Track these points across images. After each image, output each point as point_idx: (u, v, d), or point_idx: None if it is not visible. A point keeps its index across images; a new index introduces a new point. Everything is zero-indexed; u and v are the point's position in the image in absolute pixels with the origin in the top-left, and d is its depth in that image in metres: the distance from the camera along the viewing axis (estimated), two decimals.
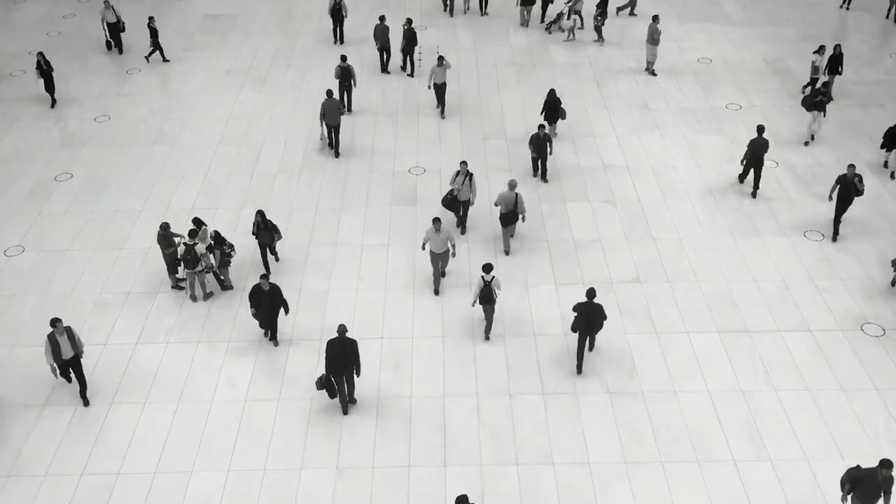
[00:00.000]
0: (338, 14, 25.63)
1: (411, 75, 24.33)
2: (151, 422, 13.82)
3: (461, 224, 17.85)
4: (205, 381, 14.57)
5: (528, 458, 13.14)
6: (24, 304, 16.26)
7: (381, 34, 23.85)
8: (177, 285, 16.53)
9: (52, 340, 13.36)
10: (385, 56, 24.37)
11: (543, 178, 19.42)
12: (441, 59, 21.29)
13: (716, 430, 13.59)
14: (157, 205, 18.98)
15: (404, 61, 24.31)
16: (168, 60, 25.21)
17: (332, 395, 13.72)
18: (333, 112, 20.14)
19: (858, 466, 11.34)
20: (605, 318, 14.25)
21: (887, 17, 27.60)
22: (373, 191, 19.39)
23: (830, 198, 17.49)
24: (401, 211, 18.70)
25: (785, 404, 14.03)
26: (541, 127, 18.75)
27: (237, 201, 19.07)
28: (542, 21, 27.44)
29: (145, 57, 25.19)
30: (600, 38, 26.15)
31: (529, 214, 18.52)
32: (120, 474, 12.97)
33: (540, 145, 18.96)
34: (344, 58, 21.85)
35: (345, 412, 13.87)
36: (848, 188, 17.14)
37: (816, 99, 20.29)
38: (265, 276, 14.38)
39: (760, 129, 18.64)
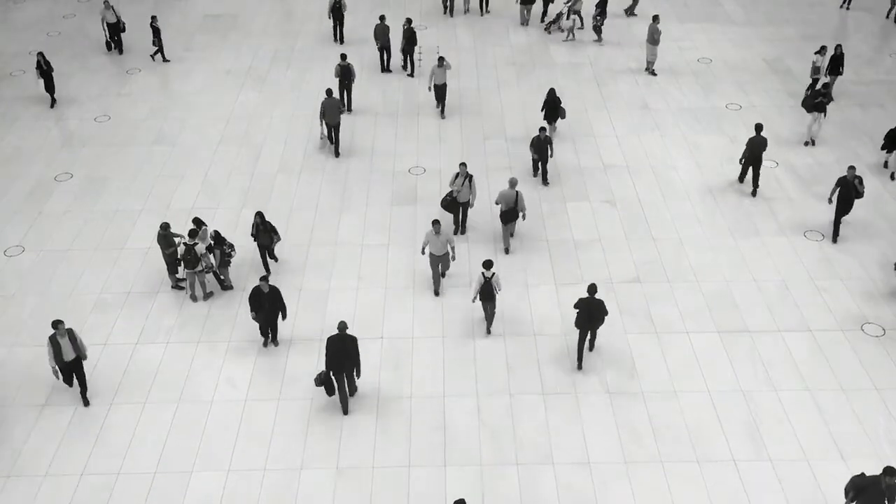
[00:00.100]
0: (338, 12, 25.64)
1: (411, 75, 24.33)
2: (151, 422, 13.82)
3: (460, 226, 17.83)
4: (205, 381, 14.57)
5: (528, 458, 13.14)
6: (24, 304, 16.26)
7: (382, 34, 23.86)
8: (177, 285, 16.53)
9: (54, 342, 13.34)
10: (386, 56, 24.38)
11: (544, 180, 19.39)
12: (441, 59, 21.30)
13: (716, 430, 13.59)
14: (157, 205, 18.98)
15: (404, 61, 24.32)
16: (168, 60, 25.21)
17: (329, 393, 13.72)
18: (333, 111, 20.14)
19: (863, 474, 11.28)
20: (606, 313, 14.31)
21: (888, 17, 27.60)
22: (373, 191, 19.39)
23: (830, 200, 17.46)
24: (401, 211, 18.70)
25: (785, 404, 14.03)
26: (542, 130, 18.73)
27: (237, 201, 19.07)
28: (543, 20, 27.46)
29: (151, 56, 25.19)
30: (599, 37, 26.14)
31: (530, 214, 18.52)
32: (120, 474, 12.97)
33: (541, 148, 18.93)
34: (344, 56, 21.87)
35: (345, 412, 13.87)
36: (848, 190, 17.11)
37: (817, 100, 20.26)
38: (265, 279, 14.37)
39: (758, 127, 18.65)
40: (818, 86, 22.14)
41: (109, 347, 15.26)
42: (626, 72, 24.51)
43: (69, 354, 13.46)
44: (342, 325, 13.34)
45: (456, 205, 17.38)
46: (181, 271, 16.74)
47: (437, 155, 20.69)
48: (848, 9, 28.42)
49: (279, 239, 16.46)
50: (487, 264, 14.61)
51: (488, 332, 15.37)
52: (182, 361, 14.95)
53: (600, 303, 14.22)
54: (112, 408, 14.06)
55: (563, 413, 13.90)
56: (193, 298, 16.23)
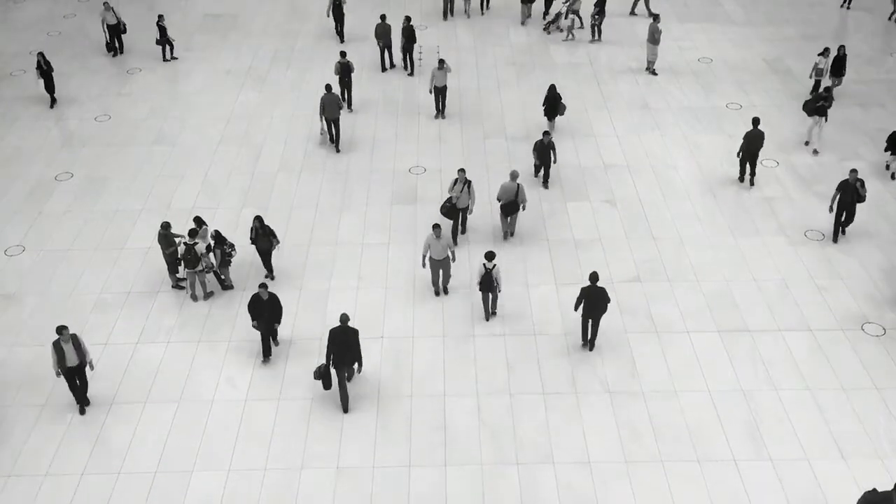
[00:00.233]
0: (338, 11, 25.66)
1: (411, 74, 24.34)
2: (151, 421, 13.82)
3: (460, 227, 17.82)
4: (205, 380, 14.57)
5: (529, 458, 13.13)
6: (25, 303, 16.26)
7: (383, 33, 23.88)
8: (177, 285, 16.53)
9: (58, 348, 13.25)
10: (388, 54, 24.41)
11: (545, 184, 19.33)
12: (441, 62, 21.26)
13: (716, 430, 13.59)
14: (157, 204, 18.98)
15: (404, 60, 24.33)
16: (168, 60, 25.21)
17: (326, 387, 13.73)
18: (332, 106, 20.20)
19: (875, 490, 11.21)
20: (608, 300, 14.41)
21: (890, 19, 27.44)
22: (373, 190, 19.39)
23: (832, 209, 17.21)
24: (401, 210, 18.70)
25: (785, 404, 14.02)
26: (545, 134, 18.58)
27: (237, 201, 19.07)
28: (545, 17, 27.48)
29: (170, 58, 25.17)
30: (595, 37, 26.13)
31: (530, 213, 18.52)
32: (120, 474, 12.97)
33: (543, 152, 18.79)
34: (343, 54, 21.89)
35: (345, 409, 13.87)
36: (849, 193, 17.02)
37: (818, 104, 20.12)
38: (264, 286, 14.25)
39: (755, 121, 18.71)
40: (820, 88, 22.07)
41: (110, 347, 15.25)
42: (626, 71, 24.51)
43: (73, 360, 13.37)
44: (344, 317, 13.40)
45: (455, 211, 17.31)
46: (181, 271, 16.74)
47: (438, 155, 20.68)
48: (848, 8, 28.40)
49: (278, 242, 16.36)
50: (489, 255, 14.75)
51: (492, 316, 15.57)
52: (182, 361, 14.95)
53: (602, 290, 14.33)
54: (112, 407, 14.06)
55: (564, 413, 13.89)
56: (194, 298, 16.23)
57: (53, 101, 22.81)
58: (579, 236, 17.87)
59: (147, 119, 22.30)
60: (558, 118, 21.96)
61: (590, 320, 14.71)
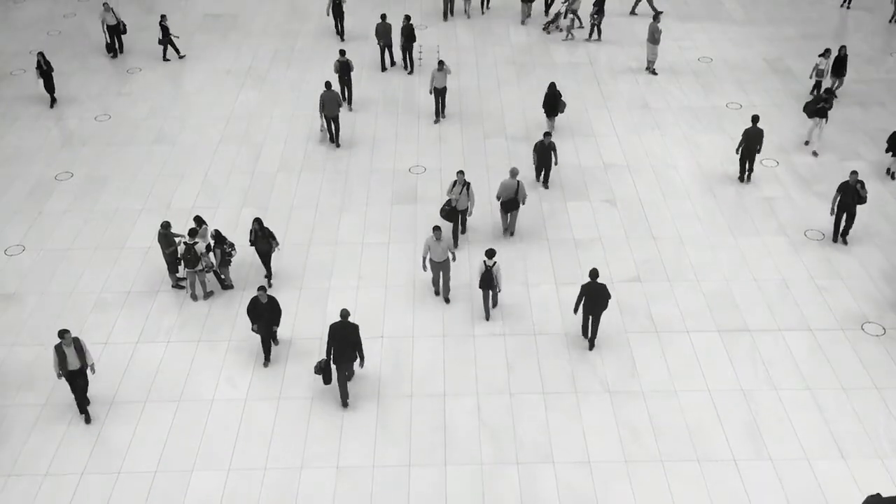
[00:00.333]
0: (338, 9, 25.69)
1: (410, 72, 24.35)
2: (151, 421, 13.82)
3: (461, 230, 17.82)
4: (205, 380, 14.57)
5: (529, 458, 13.13)
6: (25, 303, 16.26)
7: (384, 33, 23.89)
8: (177, 284, 16.53)
9: (59, 352, 13.17)
10: (388, 54, 24.42)
11: (545, 184, 19.31)
12: (441, 63, 21.22)
13: (716, 430, 13.59)
14: (157, 204, 18.98)
15: (404, 58, 24.34)
16: (169, 60, 25.22)
17: (326, 381, 13.76)
18: (332, 104, 20.24)
19: (878, 495, 11.19)
20: (608, 297, 14.42)
21: (891, 22, 27.29)
22: (373, 189, 19.38)
23: (833, 211, 17.17)
24: (401, 210, 18.70)
25: (785, 403, 14.02)
26: (546, 135, 18.50)
27: (237, 200, 19.07)
28: (547, 13, 27.51)
29: (179, 57, 25.20)
30: (591, 36, 26.11)
31: (530, 213, 18.51)
32: (120, 474, 12.97)
33: (543, 153, 18.69)
34: (343, 52, 21.90)
35: (344, 404, 13.90)
36: (850, 195, 16.97)
37: (819, 105, 20.06)
38: (262, 289, 14.16)
39: (755, 118, 18.74)
40: (821, 90, 22.02)
41: (109, 347, 15.26)
42: (626, 71, 24.50)
43: (74, 364, 13.28)
44: (344, 313, 13.48)
45: (455, 213, 17.27)
46: (181, 270, 16.74)
47: (438, 154, 20.68)
48: (848, 8, 28.39)
49: (278, 245, 16.27)
50: (489, 253, 14.81)
51: (486, 318, 15.55)
52: (182, 361, 14.96)
53: (602, 287, 14.35)
54: (112, 407, 14.06)
55: (564, 412, 13.89)
56: (194, 298, 16.23)
57: (53, 101, 22.80)
58: (579, 236, 17.87)
59: (147, 119, 22.30)
60: (558, 117, 21.96)
61: (590, 317, 14.73)
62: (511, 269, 16.99)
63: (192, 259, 15.60)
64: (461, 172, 17.03)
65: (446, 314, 15.89)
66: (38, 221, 18.49)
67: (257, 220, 15.87)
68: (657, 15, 23.48)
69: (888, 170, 19.56)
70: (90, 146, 21.15)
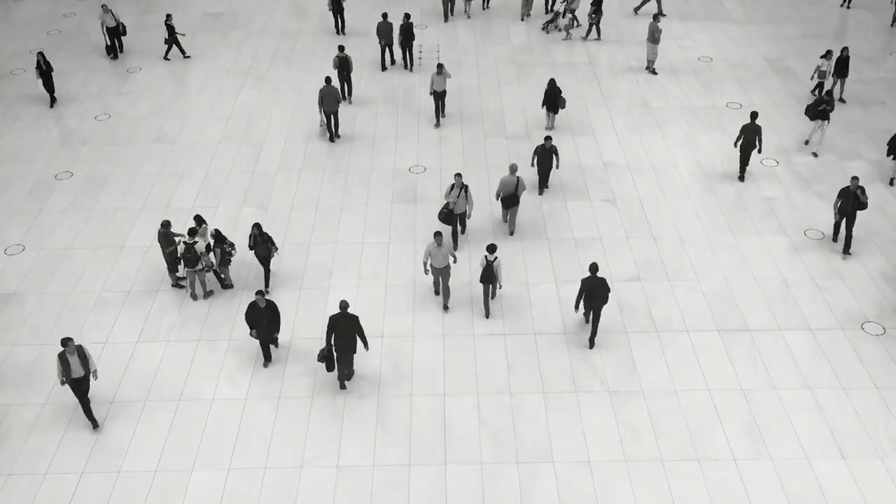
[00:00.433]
0: (338, 5, 25.73)
1: (411, 70, 24.36)
2: (151, 421, 13.82)
3: (460, 230, 17.80)
4: (205, 380, 14.57)
5: (529, 457, 13.13)
6: (25, 302, 16.26)
7: (386, 32, 23.90)
8: (177, 284, 16.53)
9: (63, 360, 13.03)
10: (389, 52, 24.44)
11: (541, 191, 19.09)
12: (440, 66, 21.16)
13: (716, 429, 13.58)
14: (157, 203, 18.97)
15: (403, 56, 24.35)
16: (169, 59, 25.21)
17: (329, 369, 13.92)
18: (331, 99, 20.33)
19: None
20: (608, 290, 14.45)
21: (892, 25, 27.16)
22: (373, 189, 19.38)
23: (835, 215, 17.11)
24: (401, 209, 18.70)
25: (785, 403, 14.02)
26: (547, 139, 18.32)
27: (237, 200, 19.07)
28: (547, 12, 27.51)
29: (184, 57, 25.19)
30: (589, 35, 26.08)
31: (530, 212, 18.51)
32: (120, 473, 12.97)
33: (545, 156, 18.48)
34: (342, 48, 21.93)
35: (342, 386, 14.06)
36: (850, 200, 16.83)
37: (820, 108, 20.00)
38: (261, 293, 14.09)
39: (754, 115, 18.76)
40: (823, 91, 21.98)
41: (109, 346, 15.25)
42: (626, 70, 24.49)
43: (78, 372, 13.19)
44: (344, 304, 13.60)
45: (453, 217, 17.23)
46: (181, 270, 16.74)
47: (438, 154, 20.68)
48: (848, 7, 28.37)
49: (277, 250, 16.18)
50: (491, 248, 14.84)
51: (486, 315, 15.62)
52: (182, 360, 14.95)
53: (602, 281, 14.37)
54: (112, 407, 14.06)
55: (564, 412, 13.89)
56: (194, 297, 16.23)
57: (53, 101, 22.79)
58: (579, 235, 17.87)
59: (147, 118, 22.30)
60: (559, 115, 21.95)
61: (591, 311, 14.72)
62: (511, 268, 16.99)
63: (192, 258, 15.59)
64: (459, 175, 16.98)
65: (446, 314, 15.89)
66: (38, 221, 18.49)
67: (256, 226, 15.74)
68: (656, 15, 23.46)
69: (892, 180, 19.29)
70: (90, 145, 21.15)
